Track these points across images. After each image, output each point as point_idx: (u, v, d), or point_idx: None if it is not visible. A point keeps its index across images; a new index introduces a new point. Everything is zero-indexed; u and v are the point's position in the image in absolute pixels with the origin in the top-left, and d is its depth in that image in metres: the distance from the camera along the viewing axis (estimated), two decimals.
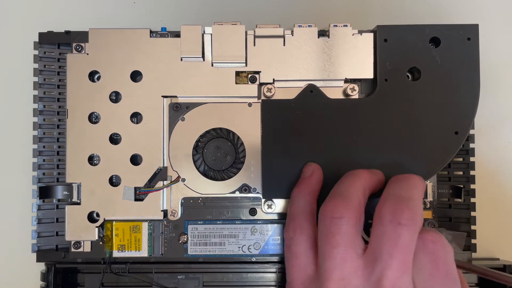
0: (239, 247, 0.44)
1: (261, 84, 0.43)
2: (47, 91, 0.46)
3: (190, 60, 0.42)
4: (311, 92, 0.42)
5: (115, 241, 0.43)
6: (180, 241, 0.44)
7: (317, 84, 0.42)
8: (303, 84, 0.43)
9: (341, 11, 0.51)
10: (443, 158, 0.41)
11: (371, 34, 0.42)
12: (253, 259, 0.44)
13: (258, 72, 0.43)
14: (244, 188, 0.43)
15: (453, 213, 0.46)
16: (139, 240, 0.43)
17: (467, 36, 0.41)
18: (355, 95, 0.43)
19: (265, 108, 0.42)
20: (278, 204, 0.43)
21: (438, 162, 0.41)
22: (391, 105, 0.41)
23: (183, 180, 0.43)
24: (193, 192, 0.43)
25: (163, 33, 0.44)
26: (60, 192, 0.45)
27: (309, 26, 0.42)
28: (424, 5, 0.51)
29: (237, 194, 0.43)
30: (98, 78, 0.43)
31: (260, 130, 0.42)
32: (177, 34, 0.43)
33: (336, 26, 0.42)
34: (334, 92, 0.43)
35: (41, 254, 0.45)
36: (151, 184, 0.43)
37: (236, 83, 0.43)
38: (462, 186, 0.45)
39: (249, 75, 0.43)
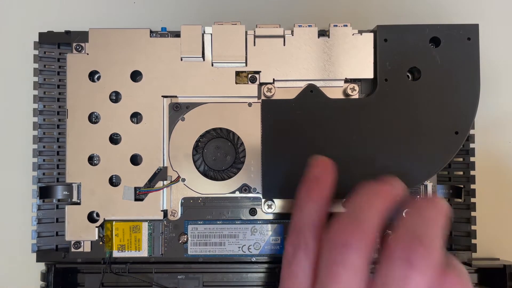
0: (239, 247, 0.44)
1: (261, 84, 0.43)
2: (47, 91, 0.46)
3: (190, 60, 0.42)
4: (311, 92, 0.42)
5: (115, 241, 0.43)
6: (180, 241, 0.44)
7: (317, 84, 0.42)
8: (303, 84, 0.43)
9: (341, 11, 0.51)
10: (443, 158, 0.41)
11: (371, 34, 0.42)
12: (253, 259, 0.44)
13: (258, 72, 0.43)
14: (244, 188, 0.43)
15: (453, 213, 0.46)
16: (139, 240, 0.43)
17: (467, 36, 0.41)
18: (355, 95, 0.43)
19: (265, 108, 0.42)
20: (278, 204, 0.43)
21: (438, 162, 0.41)
22: (391, 105, 0.41)
23: (183, 180, 0.43)
24: (193, 192, 0.43)
25: (163, 33, 0.44)
26: (60, 192, 0.45)
27: (309, 26, 0.42)
28: (424, 5, 0.51)
29: (237, 194, 0.43)
30: (98, 78, 0.43)
31: (260, 130, 0.42)
32: (177, 34, 0.43)
33: (336, 26, 0.42)
34: (334, 92, 0.43)
35: (41, 254, 0.45)
36: (151, 184, 0.43)
37: (236, 83, 0.43)
38: (462, 186, 0.45)
39: (249, 75, 0.43)
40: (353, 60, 0.42)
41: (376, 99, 0.42)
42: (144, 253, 0.43)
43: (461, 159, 0.46)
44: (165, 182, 0.43)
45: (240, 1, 0.51)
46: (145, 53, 0.42)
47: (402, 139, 0.41)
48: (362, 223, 0.28)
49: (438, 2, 0.51)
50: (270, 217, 0.44)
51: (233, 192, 0.43)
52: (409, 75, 0.42)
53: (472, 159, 0.46)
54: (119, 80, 0.43)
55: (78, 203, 0.43)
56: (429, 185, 0.44)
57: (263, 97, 0.43)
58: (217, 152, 0.43)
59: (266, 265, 0.45)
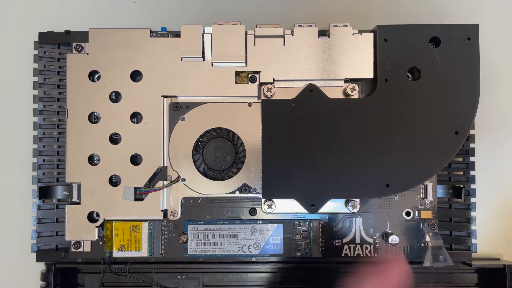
0: (239, 247, 0.44)
1: (261, 84, 0.43)
2: (47, 91, 0.46)
3: (190, 60, 0.42)
4: (311, 92, 0.42)
5: (115, 241, 0.43)
6: (180, 241, 0.44)
7: (317, 84, 0.42)
8: (303, 84, 0.43)
9: (341, 11, 0.51)
10: (443, 158, 0.41)
11: (371, 34, 0.42)
12: (253, 259, 0.44)
13: (258, 72, 0.43)
14: (244, 188, 0.43)
15: (453, 213, 0.46)
16: (139, 240, 0.43)
17: (467, 36, 0.41)
18: (355, 95, 0.43)
19: (265, 108, 0.42)
20: (278, 204, 0.43)
21: (438, 162, 0.41)
22: (391, 105, 0.41)
23: (183, 180, 0.43)
24: (193, 192, 0.43)
25: (163, 33, 0.44)
26: (60, 192, 0.45)
27: (309, 26, 0.42)
28: (424, 5, 0.51)
29: (237, 194, 0.43)
30: (98, 78, 0.43)
31: (260, 130, 0.42)
32: (177, 34, 0.43)
33: (336, 26, 0.42)
34: (334, 92, 0.43)
35: (41, 254, 0.45)
36: (151, 184, 0.43)
37: (236, 83, 0.43)
38: (462, 186, 0.45)
39: (249, 75, 0.43)
40: (353, 60, 0.42)
41: (376, 99, 0.42)
42: (144, 253, 0.43)
43: (461, 159, 0.46)
44: (165, 182, 0.43)
45: (240, 1, 0.51)
46: (145, 53, 0.42)
47: (402, 139, 0.41)
48: None
49: (438, 2, 0.51)
50: (270, 217, 0.44)
51: (233, 192, 0.43)
52: (409, 75, 0.42)
53: (472, 159, 0.46)
54: (119, 80, 0.43)
55: (78, 203, 0.43)
56: (429, 185, 0.44)
57: (263, 97, 0.43)
58: (217, 152, 0.43)
59: (266, 265, 0.45)
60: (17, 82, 0.50)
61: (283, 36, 0.42)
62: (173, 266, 0.45)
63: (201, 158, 0.43)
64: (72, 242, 0.43)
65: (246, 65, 0.42)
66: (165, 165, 0.43)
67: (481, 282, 0.46)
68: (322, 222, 0.44)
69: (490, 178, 0.50)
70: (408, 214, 0.44)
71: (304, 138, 0.41)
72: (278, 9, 0.51)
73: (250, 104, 0.43)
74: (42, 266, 0.45)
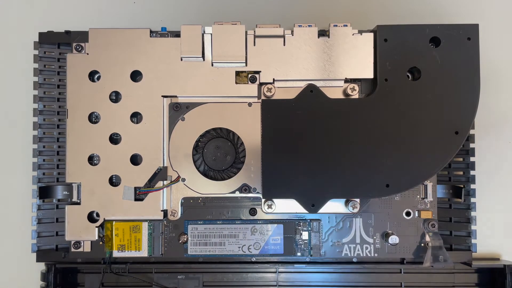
0: (239, 247, 0.44)
1: (261, 84, 0.43)
2: (47, 91, 0.46)
3: (190, 60, 0.42)
4: (311, 92, 0.42)
5: (115, 241, 0.43)
6: (180, 241, 0.44)
7: (317, 84, 0.42)
8: (303, 84, 0.43)
9: (341, 11, 0.51)
10: (443, 158, 0.41)
11: (371, 34, 0.42)
12: (253, 259, 0.44)
13: (258, 72, 0.43)
14: (244, 188, 0.43)
15: (453, 213, 0.46)
16: (139, 240, 0.43)
17: (467, 36, 0.41)
18: (355, 95, 0.43)
19: (265, 108, 0.42)
20: (278, 204, 0.43)
21: (438, 162, 0.41)
22: (391, 105, 0.41)
23: (183, 180, 0.43)
24: (193, 192, 0.43)
25: (163, 33, 0.44)
26: (60, 192, 0.45)
27: (309, 26, 0.42)
28: (424, 5, 0.51)
29: (237, 194, 0.43)
30: (98, 78, 0.43)
31: (260, 130, 0.42)
32: (177, 34, 0.43)
33: (336, 26, 0.42)
34: (334, 92, 0.43)
35: (41, 254, 0.45)
36: (151, 184, 0.43)
37: (236, 83, 0.43)
38: (462, 186, 0.45)
39: (249, 75, 0.43)
40: (353, 60, 0.42)
41: (376, 99, 0.42)
42: (144, 253, 0.43)
43: (461, 159, 0.46)
44: (165, 182, 0.43)
45: (240, 1, 0.51)
46: (145, 53, 0.42)
47: (402, 139, 0.41)
48: None
49: (438, 2, 0.51)
50: (270, 217, 0.44)
51: (233, 192, 0.43)
52: (409, 75, 0.42)
53: (472, 159, 0.46)
54: (119, 80, 0.43)
55: (78, 203, 0.43)
56: (429, 185, 0.44)
57: (263, 97, 0.43)
58: (217, 152, 0.43)
59: (266, 265, 0.45)
60: (17, 82, 0.50)
61: (283, 36, 0.42)
62: (173, 266, 0.45)
63: (201, 158, 0.43)
64: (72, 242, 0.43)
65: (246, 65, 0.42)
66: (165, 165, 0.43)
67: (481, 282, 0.46)
68: (322, 222, 0.44)
69: (490, 178, 0.50)
70: (408, 214, 0.44)
71: (304, 138, 0.41)
72: (278, 9, 0.51)
73: (250, 104, 0.43)
74: (42, 266, 0.45)
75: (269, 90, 0.42)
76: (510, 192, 0.50)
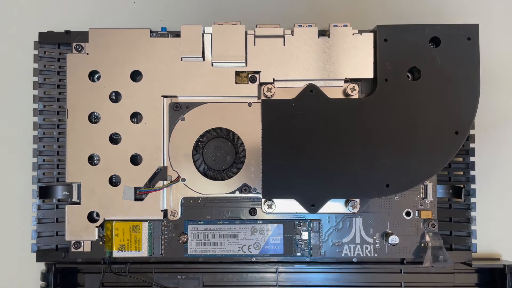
0: (239, 247, 0.44)
1: (261, 84, 0.43)
2: (47, 91, 0.46)
3: (190, 60, 0.42)
4: (311, 92, 0.42)
5: (115, 241, 0.43)
6: (180, 241, 0.44)
7: (317, 84, 0.42)
8: (303, 84, 0.43)
9: (341, 11, 0.51)
10: (443, 158, 0.41)
11: (371, 34, 0.42)
12: (253, 259, 0.44)
13: (258, 72, 0.43)
14: (244, 188, 0.43)
15: (453, 213, 0.46)
16: (139, 240, 0.43)
17: (467, 36, 0.41)
18: (355, 95, 0.43)
19: (265, 108, 0.42)
20: (278, 204, 0.43)
21: (438, 162, 0.41)
22: (391, 105, 0.41)
23: (183, 180, 0.43)
24: (193, 192, 0.43)
25: (163, 33, 0.44)
26: (60, 192, 0.45)
27: (309, 26, 0.42)
28: (424, 5, 0.51)
29: (237, 194, 0.43)
30: (98, 78, 0.43)
31: (260, 130, 0.42)
32: (177, 34, 0.43)
33: (336, 26, 0.42)
34: (334, 92, 0.43)
35: (41, 254, 0.45)
36: (151, 184, 0.43)
37: (236, 83, 0.43)
38: (462, 186, 0.45)
39: (249, 75, 0.43)
40: (353, 60, 0.42)
41: (376, 99, 0.42)
42: (144, 253, 0.43)
43: (461, 159, 0.46)
44: (165, 182, 0.43)
45: (240, 1, 0.51)
46: (145, 53, 0.42)
47: (402, 139, 0.41)
48: None
49: (438, 2, 0.51)
50: (270, 217, 0.44)
51: (233, 192, 0.43)
52: (409, 75, 0.42)
53: (472, 159, 0.46)
54: (119, 80, 0.43)
55: (78, 203, 0.43)
56: (429, 185, 0.44)
57: (263, 97, 0.43)
58: (217, 152, 0.43)
59: (266, 265, 0.45)
60: (17, 82, 0.50)
61: (283, 36, 0.42)
62: (173, 266, 0.45)
63: (201, 158, 0.43)
64: (72, 242, 0.43)
65: (246, 65, 0.42)
66: (165, 165, 0.43)
67: (481, 282, 0.46)
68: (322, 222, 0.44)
69: (490, 178, 0.50)
70: (408, 214, 0.44)
71: (304, 138, 0.41)
72: (278, 9, 0.51)
73: (250, 104, 0.43)
74: (42, 266, 0.45)
75: (269, 90, 0.42)
76: (510, 192, 0.50)
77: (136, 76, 0.43)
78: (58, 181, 0.45)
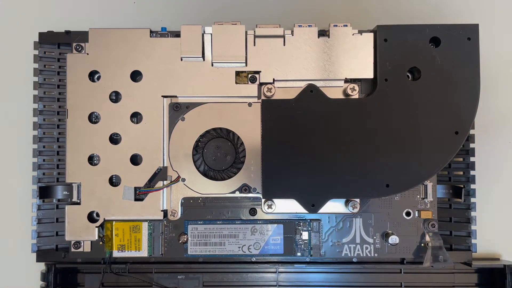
0: (239, 247, 0.44)
1: (261, 84, 0.43)
2: (47, 91, 0.46)
3: (190, 60, 0.42)
4: (311, 92, 0.42)
5: (115, 241, 0.43)
6: (180, 241, 0.44)
7: (317, 84, 0.42)
8: (303, 84, 0.43)
9: (341, 11, 0.51)
10: (443, 158, 0.41)
11: (371, 34, 0.42)
12: (253, 259, 0.44)
13: (258, 72, 0.43)
14: (244, 188, 0.43)
15: (453, 213, 0.46)
16: (139, 240, 0.43)
17: (467, 36, 0.41)
18: (355, 95, 0.43)
19: (265, 108, 0.42)
20: (278, 204, 0.43)
21: (438, 162, 0.41)
22: (391, 105, 0.41)
23: (183, 180, 0.43)
24: (193, 192, 0.43)
25: (163, 33, 0.44)
26: (60, 192, 0.45)
27: (309, 26, 0.42)
28: (424, 5, 0.51)
29: (237, 194, 0.43)
30: (98, 78, 0.43)
31: (260, 130, 0.42)
32: (177, 34, 0.43)
33: (336, 26, 0.42)
34: (334, 92, 0.43)
35: (41, 254, 0.45)
36: (151, 184, 0.43)
37: (236, 83, 0.43)
38: (462, 186, 0.45)
39: (249, 75, 0.43)
40: (353, 60, 0.42)
41: (376, 99, 0.42)
42: (144, 253, 0.43)
43: (461, 159, 0.46)
44: (165, 182, 0.43)
45: (240, 1, 0.51)
46: (145, 53, 0.42)
47: (402, 139, 0.41)
48: None
49: (438, 2, 0.51)
50: (270, 217, 0.44)
51: (233, 192, 0.43)
52: (409, 75, 0.42)
53: (472, 159, 0.46)
54: (119, 80, 0.43)
55: (78, 203, 0.43)
56: (429, 185, 0.44)
57: (263, 97, 0.43)
58: (217, 152, 0.43)
59: (266, 265, 0.45)
60: (17, 82, 0.50)
61: (283, 36, 0.42)
62: (173, 266, 0.45)
63: (201, 158, 0.43)
64: (72, 242, 0.43)
65: (246, 65, 0.42)
66: (165, 165, 0.43)
67: (481, 282, 0.46)
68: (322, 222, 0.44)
69: (490, 178, 0.50)
70: (408, 214, 0.44)
71: (304, 138, 0.41)
72: (278, 9, 0.51)
73: (250, 104, 0.43)
74: (42, 266, 0.45)
75: (269, 90, 0.42)
76: (510, 192, 0.50)
77: (136, 76, 0.43)
78: (58, 181, 0.45)
